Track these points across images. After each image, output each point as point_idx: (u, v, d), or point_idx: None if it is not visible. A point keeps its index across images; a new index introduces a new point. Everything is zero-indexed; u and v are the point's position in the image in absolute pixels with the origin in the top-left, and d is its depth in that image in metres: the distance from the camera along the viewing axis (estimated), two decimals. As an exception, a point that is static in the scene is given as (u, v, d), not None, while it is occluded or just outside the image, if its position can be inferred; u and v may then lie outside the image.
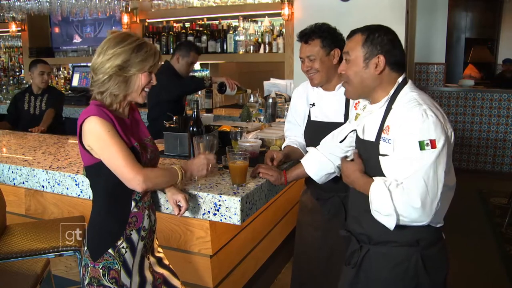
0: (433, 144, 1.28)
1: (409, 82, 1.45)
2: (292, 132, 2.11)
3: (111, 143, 1.41)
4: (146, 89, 1.55)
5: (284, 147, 2.09)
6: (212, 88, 4.10)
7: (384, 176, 1.39)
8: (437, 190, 1.29)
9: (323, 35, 1.87)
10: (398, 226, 1.37)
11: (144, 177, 1.43)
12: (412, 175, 1.29)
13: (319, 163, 1.78)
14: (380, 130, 1.40)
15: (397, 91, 1.42)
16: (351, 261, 1.53)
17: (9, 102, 4.05)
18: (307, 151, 1.93)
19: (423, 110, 1.31)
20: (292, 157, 2.02)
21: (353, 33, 1.48)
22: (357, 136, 1.57)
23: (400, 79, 1.44)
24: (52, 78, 5.63)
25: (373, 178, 1.40)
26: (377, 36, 1.41)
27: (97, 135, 1.42)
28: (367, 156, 1.46)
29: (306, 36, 1.89)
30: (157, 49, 1.55)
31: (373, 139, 1.43)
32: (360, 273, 1.51)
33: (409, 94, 1.39)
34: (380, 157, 1.39)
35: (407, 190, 1.29)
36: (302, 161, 1.85)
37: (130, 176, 1.42)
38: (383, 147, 1.38)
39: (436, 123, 1.30)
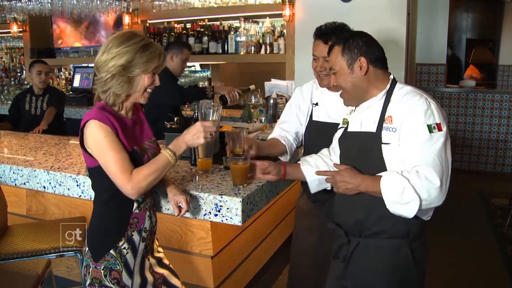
0: (439, 127, 1.37)
1: (398, 82, 1.55)
2: (288, 126, 2.01)
3: (108, 149, 1.41)
4: (149, 90, 1.53)
5: (269, 138, 1.99)
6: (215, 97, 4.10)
7: (384, 164, 1.43)
8: (448, 169, 1.38)
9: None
10: (390, 217, 1.40)
11: (133, 185, 1.41)
12: (427, 156, 1.35)
13: (316, 167, 1.74)
14: (381, 120, 1.47)
15: (392, 86, 1.51)
16: (339, 255, 1.56)
17: (10, 102, 4.06)
18: (292, 151, 1.95)
19: (424, 98, 1.42)
20: (267, 152, 1.88)
21: (331, 47, 1.57)
22: (349, 132, 1.59)
23: (391, 77, 1.53)
24: (53, 79, 5.63)
25: (380, 174, 1.42)
26: (352, 42, 1.50)
27: (95, 139, 1.42)
28: (366, 147, 1.49)
29: (326, 36, 1.83)
30: (162, 50, 1.52)
31: (373, 130, 1.48)
32: (349, 266, 1.53)
33: (405, 88, 1.50)
34: (382, 145, 1.44)
35: (424, 172, 1.34)
36: (300, 161, 1.83)
37: (122, 183, 1.42)
38: (386, 136, 1.44)
39: (438, 109, 1.40)
